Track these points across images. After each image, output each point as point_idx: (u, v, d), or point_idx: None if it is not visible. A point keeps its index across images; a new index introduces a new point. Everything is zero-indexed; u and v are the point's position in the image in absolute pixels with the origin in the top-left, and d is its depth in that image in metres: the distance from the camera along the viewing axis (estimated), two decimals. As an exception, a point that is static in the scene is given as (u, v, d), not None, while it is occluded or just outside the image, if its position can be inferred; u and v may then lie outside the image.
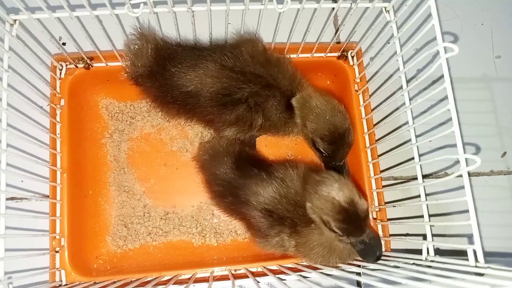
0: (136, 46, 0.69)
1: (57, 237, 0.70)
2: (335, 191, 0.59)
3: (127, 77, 0.72)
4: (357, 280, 0.74)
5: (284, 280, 0.62)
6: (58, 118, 0.74)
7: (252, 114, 0.70)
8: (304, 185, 0.65)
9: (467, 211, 0.53)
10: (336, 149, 0.69)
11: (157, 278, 0.69)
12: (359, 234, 0.60)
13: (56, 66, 0.75)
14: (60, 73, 0.75)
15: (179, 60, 0.68)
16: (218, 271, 0.72)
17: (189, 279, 0.69)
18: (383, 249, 0.73)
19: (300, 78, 0.72)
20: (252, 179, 0.67)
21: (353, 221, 0.59)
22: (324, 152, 0.70)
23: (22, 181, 0.76)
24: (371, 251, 0.61)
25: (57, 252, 0.69)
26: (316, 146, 0.71)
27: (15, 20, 0.62)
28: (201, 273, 0.71)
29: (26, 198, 0.76)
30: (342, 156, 0.71)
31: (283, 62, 0.71)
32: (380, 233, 0.75)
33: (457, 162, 0.54)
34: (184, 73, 0.68)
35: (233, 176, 0.68)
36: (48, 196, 0.71)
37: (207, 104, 0.68)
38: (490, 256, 0.82)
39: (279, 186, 0.66)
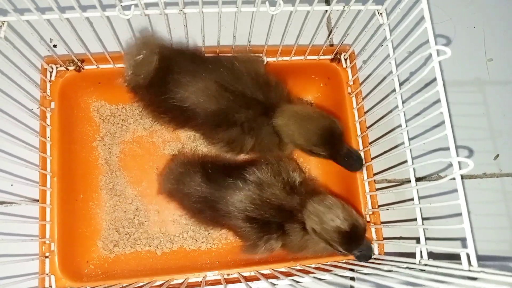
0: (140, 56, 0.66)
1: (47, 242, 0.68)
2: (340, 220, 0.63)
3: (125, 85, 0.69)
4: (350, 285, 0.74)
5: (277, 285, 0.61)
6: (48, 121, 0.73)
7: (245, 137, 0.69)
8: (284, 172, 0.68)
9: (460, 214, 0.53)
10: (333, 145, 0.69)
11: (149, 283, 0.68)
12: (358, 247, 0.65)
13: (46, 69, 0.74)
14: (51, 76, 0.74)
15: (179, 73, 0.66)
16: (211, 275, 0.71)
17: (181, 284, 0.68)
18: (377, 252, 0.73)
19: (286, 93, 0.72)
20: (228, 190, 0.67)
21: (356, 241, 0.64)
22: (325, 154, 0.70)
23: (12, 185, 0.75)
24: (364, 256, 0.66)
25: (46, 257, 0.68)
26: (316, 153, 0.70)
27: (3, 21, 0.61)
28: (194, 277, 0.71)
29: (15, 203, 0.74)
30: (341, 146, 0.70)
31: (280, 86, 0.71)
32: (374, 236, 0.74)
33: (450, 165, 0.54)
34: (183, 89, 0.66)
35: (208, 191, 0.68)
36: (37, 201, 0.70)
37: (201, 121, 0.68)
38: (483, 259, 0.82)
39: (258, 191, 0.66)
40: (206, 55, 0.73)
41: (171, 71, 0.66)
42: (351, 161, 0.69)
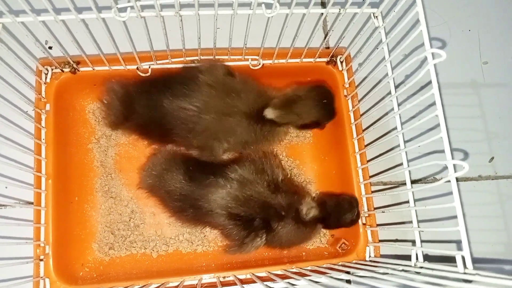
0: (105, 100, 0.74)
1: (42, 244, 0.68)
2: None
3: (109, 127, 0.77)
4: None
5: (272, 287, 0.61)
6: (43, 123, 0.72)
7: (213, 141, 0.71)
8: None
9: (455, 216, 0.53)
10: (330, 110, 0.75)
11: (144, 286, 0.68)
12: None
13: (41, 71, 0.73)
14: (46, 78, 0.74)
15: (141, 102, 0.71)
16: (207, 278, 0.71)
17: (177, 287, 0.68)
18: (373, 254, 0.73)
19: (265, 90, 0.73)
20: (210, 187, 0.67)
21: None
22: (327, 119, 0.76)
23: (6, 188, 0.74)
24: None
25: (41, 260, 0.68)
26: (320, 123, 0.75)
27: (-1, 23, 0.61)
28: (189, 280, 0.70)
29: (10, 205, 0.74)
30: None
31: (246, 81, 0.73)
32: (370, 238, 0.74)
33: (446, 167, 0.54)
34: (146, 112, 0.71)
35: (189, 189, 0.68)
36: (32, 203, 0.69)
37: (173, 132, 0.70)
38: (478, 261, 0.82)
39: (240, 188, 0.66)
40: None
41: (133, 102, 0.71)
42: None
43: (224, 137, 0.71)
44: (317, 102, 0.73)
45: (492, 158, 0.89)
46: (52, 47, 0.80)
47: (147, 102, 0.71)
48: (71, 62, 0.73)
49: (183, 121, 0.69)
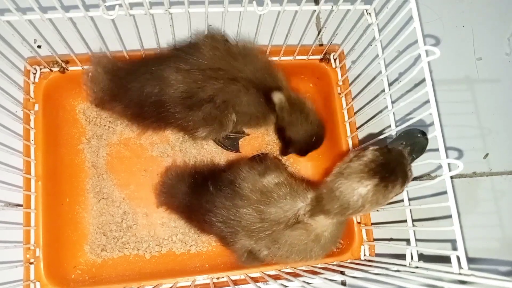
0: (90, 73, 0.70)
1: (32, 247, 0.67)
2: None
3: (91, 103, 0.74)
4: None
5: (265, 289, 0.60)
6: (32, 124, 0.71)
7: (222, 112, 0.67)
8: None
9: (450, 216, 0.53)
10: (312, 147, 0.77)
11: (137, 288, 0.67)
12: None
13: (29, 70, 0.72)
14: (34, 77, 0.73)
15: (135, 76, 0.67)
16: (200, 279, 0.70)
17: (170, 288, 0.67)
18: (367, 253, 0.72)
19: (274, 70, 0.71)
20: (205, 197, 0.66)
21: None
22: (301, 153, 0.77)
23: (-5, 190, 0.73)
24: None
25: (31, 263, 0.67)
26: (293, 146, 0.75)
27: (-17, 22, 0.59)
28: (183, 282, 0.69)
29: (-1, 208, 0.73)
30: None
31: (251, 52, 0.69)
32: (364, 237, 0.74)
33: (441, 165, 0.54)
34: (142, 87, 0.66)
35: (190, 200, 0.68)
36: (21, 205, 0.68)
37: (174, 110, 0.67)
38: (472, 257, 0.82)
39: (241, 200, 0.63)
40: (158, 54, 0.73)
41: (127, 77, 0.68)
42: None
43: (232, 106, 0.67)
44: (313, 134, 0.74)
45: (487, 154, 0.88)
46: (41, 46, 0.79)
47: (143, 76, 0.67)
48: (60, 62, 0.72)
49: (185, 94, 0.65)
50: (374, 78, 0.69)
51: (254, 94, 0.68)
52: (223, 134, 0.72)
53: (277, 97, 0.69)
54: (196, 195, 0.68)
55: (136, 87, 0.67)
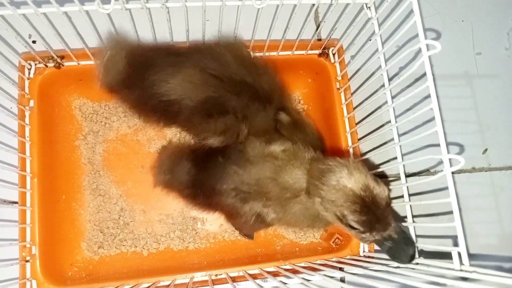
0: (108, 53, 0.64)
1: (28, 245, 0.66)
2: (346, 178, 0.51)
3: (100, 85, 0.67)
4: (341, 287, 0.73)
5: (262, 287, 0.60)
6: (27, 120, 0.70)
7: (239, 124, 0.65)
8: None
9: (451, 212, 0.52)
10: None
11: (135, 286, 0.66)
12: (383, 227, 0.51)
13: (24, 66, 0.71)
14: (29, 73, 0.71)
15: (158, 67, 0.63)
16: (199, 276, 0.69)
17: (168, 286, 0.66)
18: (367, 249, 0.72)
19: (285, 89, 0.71)
20: (215, 168, 0.64)
21: (373, 210, 0.50)
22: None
23: (-10, 187, 0.72)
24: (402, 249, 0.51)
25: (27, 261, 0.66)
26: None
27: (-24, 17, 0.58)
28: (181, 279, 0.69)
29: (-6, 205, 0.72)
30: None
31: (269, 72, 0.68)
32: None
33: (441, 161, 0.53)
34: (165, 81, 0.63)
35: (196, 174, 0.66)
36: (17, 203, 0.67)
37: (190, 113, 0.64)
38: (472, 253, 0.82)
39: (252, 164, 0.62)
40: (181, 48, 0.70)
41: (148, 67, 0.64)
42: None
43: (250, 121, 0.65)
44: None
45: (486, 150, 0.88)
46: (36, 41, 0.77)
47: (165, 71, 0.62)
48: (55, 57, 0.71)
49: (208, 99, 0.63)
50: (373, 73, 0.68)
51: (269, 111, 0.67)
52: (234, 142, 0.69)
53: (282, 117, 0.68)
54: (201, 169, 0.65)
55: (155, 80, 0.63)
